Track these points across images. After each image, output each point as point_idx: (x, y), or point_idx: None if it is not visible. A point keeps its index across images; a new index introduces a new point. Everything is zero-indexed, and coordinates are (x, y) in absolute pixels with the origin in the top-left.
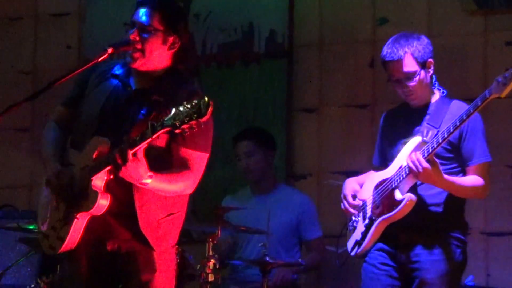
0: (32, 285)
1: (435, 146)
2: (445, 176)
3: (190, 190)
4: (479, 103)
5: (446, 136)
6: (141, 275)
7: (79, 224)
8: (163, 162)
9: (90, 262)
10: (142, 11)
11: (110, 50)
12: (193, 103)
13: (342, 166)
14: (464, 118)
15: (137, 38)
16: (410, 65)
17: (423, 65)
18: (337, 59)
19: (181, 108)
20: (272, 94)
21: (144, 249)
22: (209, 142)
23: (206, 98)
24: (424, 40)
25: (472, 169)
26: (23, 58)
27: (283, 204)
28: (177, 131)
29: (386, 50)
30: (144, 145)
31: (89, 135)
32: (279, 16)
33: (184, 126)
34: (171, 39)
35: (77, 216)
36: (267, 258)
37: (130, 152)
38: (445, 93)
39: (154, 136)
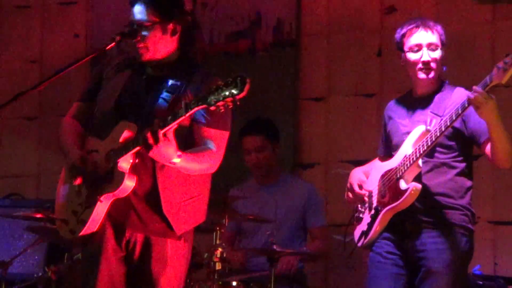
0: (40, 274)
1: (448, 123)
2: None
3: (213, 169)
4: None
5: (449, 123)
6: (152, 269)
7: (102, 207)
8: (187, 141)
9: (111, 250)
10: (137, 9)
11: (118, 38)
12: (229, 81)
13: (350, 155)
14: (466, 105)
15: (139, 38)
16: (436, 37)
17: (443, 45)
18: (345, 48)
19: (216, 86)
20: (279, 83)
21: (159, 241)
22: (230, 120)
23: (242, 75)
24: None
25: (486, 144)
26: (30, 47)
27: (289, 194)
28: (212, 108)
29: (410, 22)
30: (175, 124)
31: (108, 124)
32: (286, 4)
33: (219, 103)
34: (170, 26)
35: (101, 198)
36: (275, 247)
37: (161, 132)
38: (447, 81)
39: (187, 114)
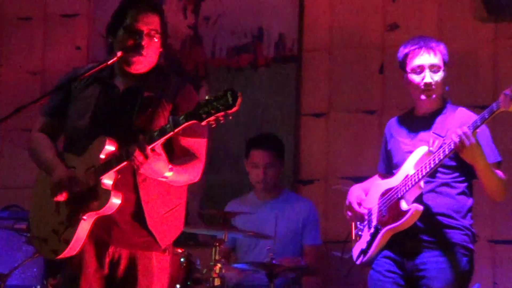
0: (38, 286)
1: (452, 147)
2: (485, 157)
3: (198, 178)
4: (487, 116)
5: (453, 146)
6: (139, 284)
7: (85, 226)
8: (167, 152)
9: (91, 269)
10: (144, 15)
11: (119, 54)
12: (219, 94)
13: (350, 172)
14: (472, 130)
15: (147, 45)
16: (439, 59)
17: (445, 66)
18: (346, 64)
19: (206, 100)
20: (280, 98)
21: (144, 254)
22: (206, 128)
23: (232, 89)
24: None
25: None
26: (32, 59)
27: (289, 210)
28: (203, 123)
29: (412, 42)
30: (162, 140)
31: (83, 140)
32: (289, 20)
33: (210, 119)
34: (165, 39)
35: (84, 216)
36: (274, 262)
37: (149, 148)
38: (449, 102)
39: (176, 130)
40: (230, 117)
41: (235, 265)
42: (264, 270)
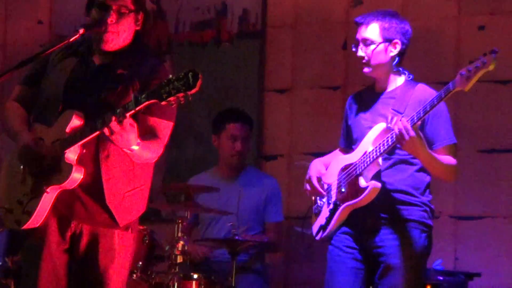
0: None
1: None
2: (427, 148)
3: (156, 159)
4: (443, 95)
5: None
6: (100, 261)
7: (48, 198)
8: None
9: (53, 242)
10: None
11: (81, 31)
12: (181, 75)
13: (313, 148)
14: (428, 109)
15: (114, 21)
16: (372, 33)
17: (388, 41)
18: (310, 40)
19: (168, 80)
20: (244, 74)
21: (106, 232)
22: (175, 111)
23: (194, 70)
24: (401, 22)
25: (438, 152)
26: None
27: (252, 187)
28: (163, 103)
29: (359, 17)
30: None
31: (53, 111)
32: None
33: (171, 99)
34: (140, 17)
35: (47, 189)
36: (237, 237)
37: (128, 115)
38: (411, 77)
39: (137, 108)
40: (190, 98)
41: (198, 241)
42: (227, 247)
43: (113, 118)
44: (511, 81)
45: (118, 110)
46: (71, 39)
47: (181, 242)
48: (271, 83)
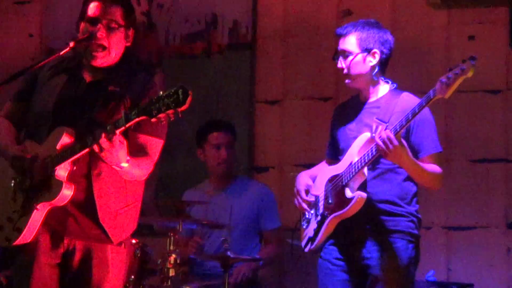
0: None
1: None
2: (412, 157)
3: (146, 176)
4: (424, 103)
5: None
6: (94, 276)
7: (38, 215)
8: None
9: (44, 258)
10: (104, 6)
11: (72, 44)
12: (171, 91)
13: (304, 159)
14: (410, 117)
15: (103, 35)
16: (350, 44)
17: (366, 51)
18: (300, 51)
19: (158, 97)
20: (235, 85)
21: (99, 247)
22: (165, 129)
23: (184, 87)
24: (380, 31)
25: (424, 161)
26: None
27: (243, 196)
28: (153, 120)
29: (338, 29)
30: (118, 132)
31: (44, 128)
32: (242, 7)
33: (161, 115)
34: (130, 33)
35: (37, 206)
36: (229, 253)
37: (118, 132)
38: (395, 86)
39: (127, 125)
40: (180, 115)
41: (193, 256)
42: (219, 262)
43: (103, 135)
44: (501, 90)
45: (108, 127)
46: (61, 53)
47: (173, 256)
48: (262, 95)
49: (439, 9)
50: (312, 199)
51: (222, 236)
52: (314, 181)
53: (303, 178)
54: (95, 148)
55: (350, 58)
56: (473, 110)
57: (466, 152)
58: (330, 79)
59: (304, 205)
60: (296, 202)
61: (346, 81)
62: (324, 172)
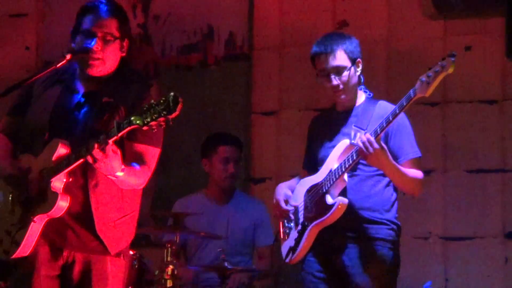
0: None
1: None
2: (392, 161)
3: (143, 185)
4: (404, 103)
5: (374, 137)
6: (93, 287)
7: (36, 227)
8: None
9: (44, 270)
10: (99, 19)
11: (68, 57)
12: (162, 99)
13: (301, 170)
14: (391, 119)
15: (99, 48)
16: (342, 59)
17: (354, 62)
18: (297, 63)
19: (149, 105)
20: (231, 97)
21: (99, 259)
22: (161, 137)
23: (175, 94)
24: (355, 40)
25: (404, 166)
26: None
27: (241, 211)
28: (145, 128)
29: (317, 44)
30: (111, 142)
31: (40, 140)
32: (239, 18)
33: (152, 124)
34: (125, 44)
35: (34, 219)
36: (226, 264)
37: (110, 141)
38: (371, 95)
39: (120, 134)
40: (171, 122)
41: (191, 266)
42: (216, 272)
43: (96, 146)
44: (497, 101)
45: (100, 137)
46: (58, 65)
47: (171, 267)
48: (258, 106)
49: (436, 20)
50: (292, 208)
51: (217, 247)
52: (293, 192)
53: (282, 189)
54: (89, 159)
55: (346, 73)
56: (470, 120)
57: (463, 163)
58: (326, 91)
59: (286, 214)
60: (275, 212)
61: (343, 96)
62: (302, 182)
